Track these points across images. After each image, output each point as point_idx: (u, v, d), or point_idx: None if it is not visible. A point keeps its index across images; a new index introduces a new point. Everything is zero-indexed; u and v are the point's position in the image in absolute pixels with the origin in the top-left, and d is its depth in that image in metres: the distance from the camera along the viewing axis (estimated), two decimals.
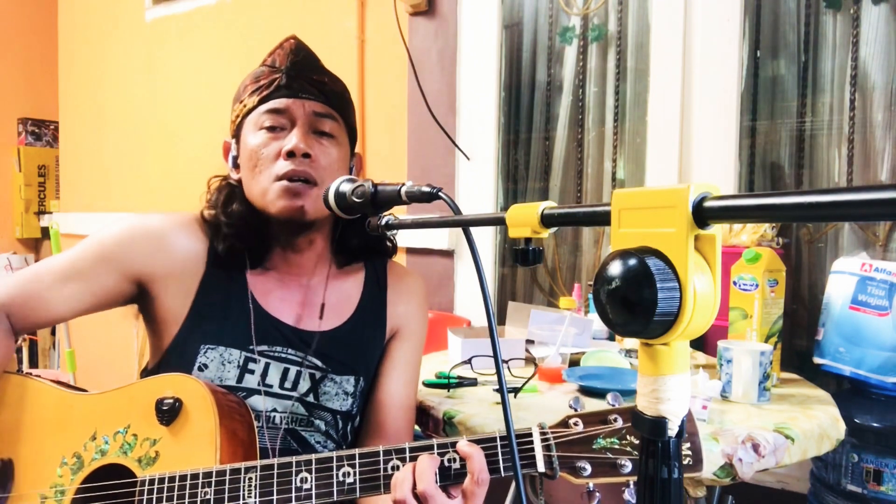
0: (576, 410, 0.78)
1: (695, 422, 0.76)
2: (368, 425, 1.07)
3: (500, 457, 0.77)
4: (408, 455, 0.78)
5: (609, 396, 0.79)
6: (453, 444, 0.77)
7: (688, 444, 0.75)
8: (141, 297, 1.01)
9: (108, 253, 0.98)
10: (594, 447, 0.75)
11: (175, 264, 0.99)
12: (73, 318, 1.00)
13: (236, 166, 1.04)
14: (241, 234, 1.00)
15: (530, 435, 0.77)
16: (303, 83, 0.99)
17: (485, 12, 2.13)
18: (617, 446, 0.75)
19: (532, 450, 0.76)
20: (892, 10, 1.67)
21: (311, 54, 1.03)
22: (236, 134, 1.04)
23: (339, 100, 1.02)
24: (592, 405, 0.80)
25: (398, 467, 0.77)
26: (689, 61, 1.82)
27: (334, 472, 0.78)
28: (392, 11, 2.16)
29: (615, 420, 0.76)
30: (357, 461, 0.78)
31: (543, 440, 0.76)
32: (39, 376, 0.96)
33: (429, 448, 0.78)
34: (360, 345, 1.05)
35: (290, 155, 0.96)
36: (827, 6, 1.76)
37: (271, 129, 0.98)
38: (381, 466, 0.78)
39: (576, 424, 0.77)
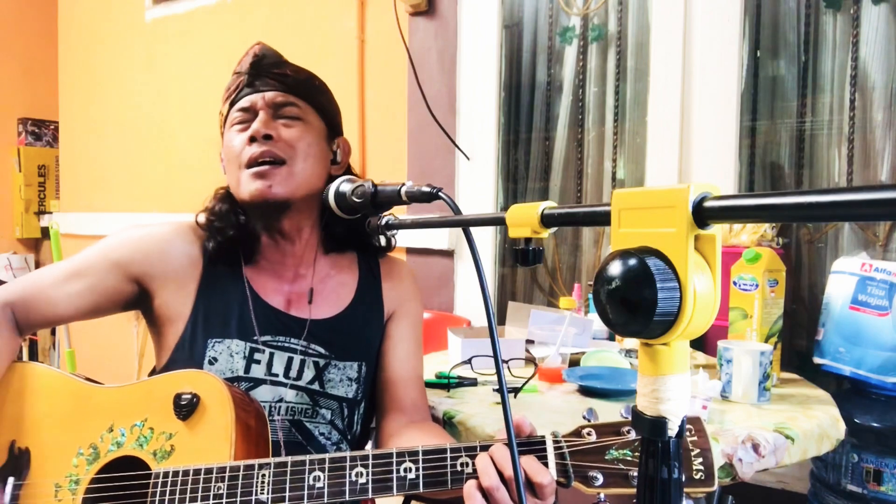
0: (589, 421, 0.78)
1: (707, 437, 0.75)
2: (384, 403, 1.09)
3: None
4: (420, 457, 0.78)
5: (622, 409, 0.79)
6: (466, 449, 0.77)
7: (700, 460, 0.74)
8: (142, 299, 1.05)
9: (108, 253, 1.03)
10: (607, 458, 0.75)
11: (172, 266, 1.03)
12: (77, 320, 1.04)
13: None
14: (224, 230, 1.03)
15: (543, 442, 0.77)
16: (264, 79, 1.03)
17: (485, 12, 2.13)
18: (629, 458, 0.74)
19: (545, 457, 0.76)
20: (892, 10, 1.67)
21: (274, 54, 1.06)
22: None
23: (302, 86, 1.06)
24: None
25: (410, 469, 0.77)
26: (689, 61, 1.81)
27: (347, 472, 0.78)
28: (392, 11, 2.16)
29: (628, 432, 0.76)
30: (370, 462, 0.78)
31: (557, 448, 0.76)
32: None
33: (441, 452, 0.78)
34: (361, 330, 1.09)
35: (253, 140, 1.00)
36: (827, 6, 1.76)
37: (239, 123, 1.03)
38: (394, 468, 0.78)
39: (589, 434, 0.77)
